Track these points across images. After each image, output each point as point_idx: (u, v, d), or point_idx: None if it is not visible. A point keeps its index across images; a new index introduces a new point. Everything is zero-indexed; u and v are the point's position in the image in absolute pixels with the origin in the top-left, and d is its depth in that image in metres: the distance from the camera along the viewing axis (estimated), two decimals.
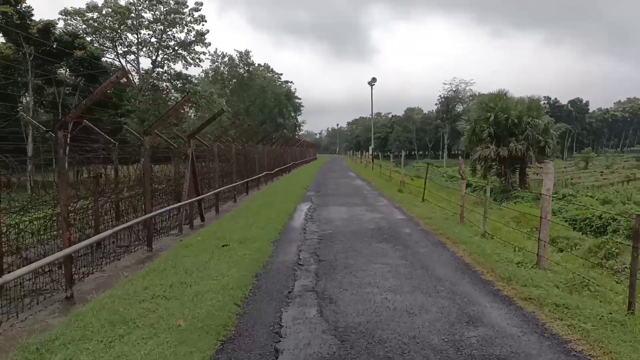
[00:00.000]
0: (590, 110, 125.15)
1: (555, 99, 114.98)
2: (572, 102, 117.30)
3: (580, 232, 21.41)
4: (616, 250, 10.91)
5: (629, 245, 10.49)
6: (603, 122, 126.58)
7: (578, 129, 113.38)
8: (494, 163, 31.85)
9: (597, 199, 28.65)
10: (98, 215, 9.88)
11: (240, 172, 21.51)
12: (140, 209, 11.32)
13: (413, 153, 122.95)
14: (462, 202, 11.43)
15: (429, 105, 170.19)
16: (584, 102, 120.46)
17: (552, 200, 24.60)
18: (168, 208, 11.53)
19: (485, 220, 9.76)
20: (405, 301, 5.95)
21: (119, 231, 9.34)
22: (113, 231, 8.64)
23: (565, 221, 22.79)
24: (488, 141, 31.15)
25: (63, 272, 7.19)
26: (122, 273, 8.08)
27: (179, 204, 11.97)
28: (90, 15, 52.29)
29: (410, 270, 7.44)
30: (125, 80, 7.93)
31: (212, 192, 14.97)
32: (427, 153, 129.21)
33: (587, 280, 6.09)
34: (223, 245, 9.43)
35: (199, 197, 13.33)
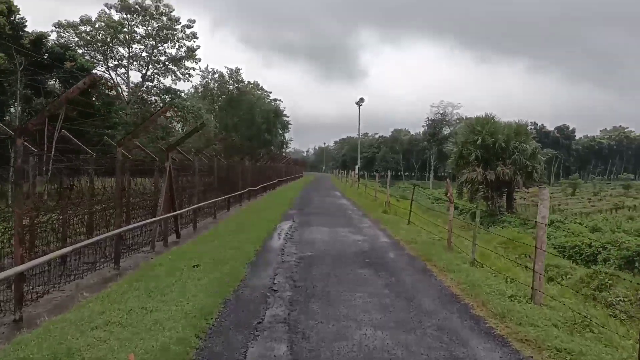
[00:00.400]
0: (577, 137, 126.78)
1: (542, 124, 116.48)
2: (559, 129, 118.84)
3: (570, 261, 21.07)
4: (609, 282, 10.41)
5: (624, 279, 10.04)
6: (589, 150, 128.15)
7: (565, 156, 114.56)
8: (481, 186, 31.31)
9: (585, 226, 28.35)
10: (65, 229, 9.19)
11: (222, 187, 20.86)
12: (112, 223, 10.64)
13: (399, 174, 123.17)
14: (449, 226, 10.89)
15: (415, 127, 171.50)
16: (570, 128, 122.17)
17: None
18: (140, 224, 10.85)
19: (474, 247, 9.23)
20: (387, 339, 5.33)
21: (84, 247, 8.64)
22: (74, 248, 7.96)
23: (554, 248, 22.36)
24: (475, 164, 30.78)
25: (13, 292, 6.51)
26: (82, 293, 7.41)
27: (151, 219, 11.28)
28: (83, 28, 51.91)
29: (394, 301, 6.83)
30: (92, 85, 7.46)
31: (189, 208, 14.30)
32: (413, 174, 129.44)
33: (588, 320, 5.52)
34: (194, 266, 8.76)
35: (175, 212, 12.67)
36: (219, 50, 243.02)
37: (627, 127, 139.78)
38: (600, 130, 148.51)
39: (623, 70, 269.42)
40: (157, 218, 11.41)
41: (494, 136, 30.41)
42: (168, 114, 29.02)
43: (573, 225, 28.28)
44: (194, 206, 14.70)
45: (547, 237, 23.58)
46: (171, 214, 12.30)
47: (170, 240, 12.55)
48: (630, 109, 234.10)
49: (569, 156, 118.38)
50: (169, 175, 12.12)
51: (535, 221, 6.76)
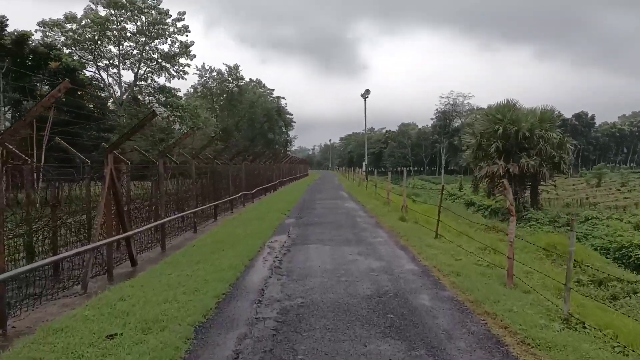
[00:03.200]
0: (597, 124, 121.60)
1: (559, 112, 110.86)
2: (577, 116, 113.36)
3: (617, 265, 17.61)
4: None
5: None
6: (609, 137, 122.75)
7: (584, 144, 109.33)
8: (502, 181, 28.33)
9: (627, 222, 24.69)
10: None
11: (206, 193, 17.48)
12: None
13: (409, 169, 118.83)
14: (510, 252, 7.25)
15: (421, 120, 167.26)
16: (589, 115, 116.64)
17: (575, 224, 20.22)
18: (49, 260, 7.35)
19: (567, 294, 5.62)
20: None
21: None
22: None
23: (595, 250, 18.90)
24: (496, 156, 27.69)
25: None
26: None
27: (76, 250, 7.82)
28: (69, 26, 48.72)
29: None
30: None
31: (149, 226, 10.85)
32: (422, 169, 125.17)
33: None
34: (108, 337, 5.33)
35: (126, 234, 9.27)
36: (215, 50, 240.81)
37: None
38: (619, 117, 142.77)
39: (634, 53, 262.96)
40: (89, 246, 7.98)
41: (517, 125, 27.21)
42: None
43: (613, 222, 24.71)
44: (153, 223, 11.25)
45: (585, 237, 20.04)
46: (116, 238, 8.90)
47: (121, 271, 9.23)
48: None
49: (588, 145, 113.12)
50: (109, 185, 8.70)
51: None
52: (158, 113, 50.78)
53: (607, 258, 18.06)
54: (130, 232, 9.41)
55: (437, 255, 9.69)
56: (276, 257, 9.89)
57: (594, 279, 12.91)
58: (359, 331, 5.46)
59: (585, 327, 5.33)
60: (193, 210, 14.53)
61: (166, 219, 11.64)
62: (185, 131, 57.23)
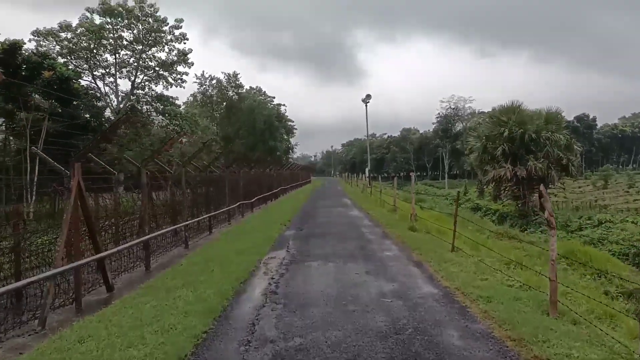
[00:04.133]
0: (598, 126, 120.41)
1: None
2: (579, 118, 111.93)
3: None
4: None
5: None
6: (611, 138, 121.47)
7: (586, 146, 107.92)
8: (509, 184, 27.67)
9: None
10: None
11: (200, 204, 16.26)
12: None
13: (410, 174, 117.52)
14: (553, 273, 5.90)
15: (422, 125, 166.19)
16: (590, 117, 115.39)
17: (588, 228, 18.79)
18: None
19: None
20: None
21: None
22: None
23: (613, 255, 17.70)
24: (502, 160, 26.88)
25: None
26: None
27: (28, 280, 6.53)
28: (64, 35, 47.69)
29: None
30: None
31: (126, 245, 9.55)
32: (425, 174, 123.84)
33: None
34: None
35: (98, 255, 8.01)
36: (213, 59, 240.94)
37: None
38: (619, 118, 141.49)
39: (631, 54, 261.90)
40: (50, 272, 6.71)
41: (523, 127, 26.52)
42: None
43: (628, 225, 23.54)
44: (132, 242, 9.95)
45: (600, 241, 18.83)
46: (84, 261, 7.63)
47: (93, 298, 7.98)
48: None
49: (590, 146, 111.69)
50: (76, 199, 7.45)
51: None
52: (156, 122, 49.77)
53: (627, 264, 16.96)
54: (104, 254, 8.14)
55: (458, 274, 8.39)
56: (272, 279, 8.62)
57: (623, 290, 11.68)
58: None
59: None
60: (182, 224, 13.25)
61: (149, 236, 10.36)
62: (185, 140, 56.20)
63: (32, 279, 6.52)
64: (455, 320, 6.04)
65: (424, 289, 7.63)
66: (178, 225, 13.04)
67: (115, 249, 8.88)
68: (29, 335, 6.33)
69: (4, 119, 32.34)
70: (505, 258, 9.80)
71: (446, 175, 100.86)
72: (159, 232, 11.30)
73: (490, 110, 34.96)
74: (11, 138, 29.82)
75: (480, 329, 5.67)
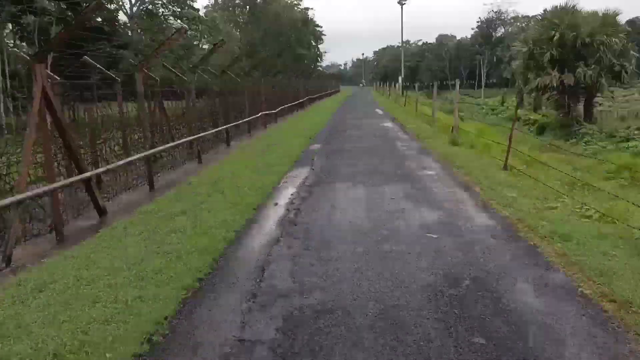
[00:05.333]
0: None
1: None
2: (631, 22, 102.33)
3: None
4: None
5: None
6: None
7: (637, 52, 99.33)
8: (554, 93, 26.00)
9: None
10: None
11: (213, 115, 14.84)
12: None
13: (445, 83, 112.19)
14: None
15: (459, 31, 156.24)
16: None
17: (637, 138, 16.22)
18: None
19: None
20: None
21: None
22: None
23: None
24: (549, 66, 24.88)
25: None
26: None
27: None
28: None
29: None
30: None
31: (120, 163, 8.16)
32: (461, 84, 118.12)
33: None
34: None
35: (80, 176, 6.73)
36: None
37: None
38: None
39: None
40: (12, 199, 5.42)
41: (576, 30, 24.05)
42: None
43: None
44: (131, 158, 8.59)
45: None
46: (60, 184, 6.34)
47: (83, 224, 6.85)
48: None
49: None
50: (40, 109, 6.00)
51: None
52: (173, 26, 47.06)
53: None
54: (88, 174, 6.79)
55: (517, 200, 6.76)
56: (291, 204, 7.20)
57: None
58: None
59: None
60: (190, 138, 11.80)
61: (151, 151, 8.96)
62: (204, 46, 53.63)
63: None
64: (524, 266, 4.53)
65: (477, 219, 6.08)
66: (186, 140, 11.61)
67: (104, 168, 7.53)
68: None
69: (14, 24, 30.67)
70: (566, 175, 8.09)
71: (483, 84, 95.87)
72: (161, 147, 9.90)
73: (536, 14, 31.95)
74: (23, 44, 28.42)
75: (562, 281, 4.14)
